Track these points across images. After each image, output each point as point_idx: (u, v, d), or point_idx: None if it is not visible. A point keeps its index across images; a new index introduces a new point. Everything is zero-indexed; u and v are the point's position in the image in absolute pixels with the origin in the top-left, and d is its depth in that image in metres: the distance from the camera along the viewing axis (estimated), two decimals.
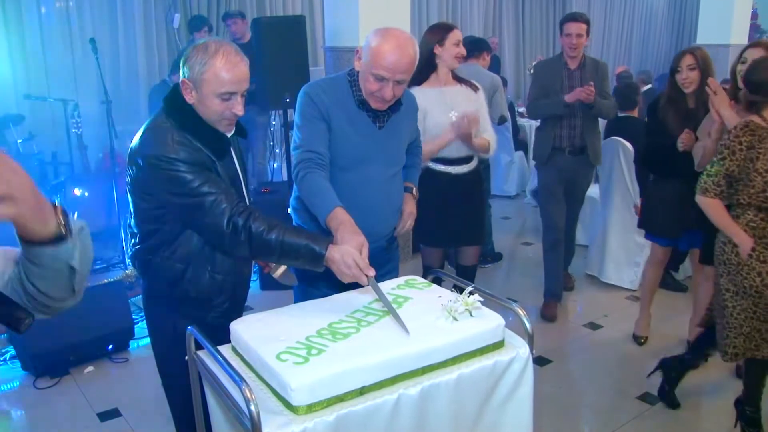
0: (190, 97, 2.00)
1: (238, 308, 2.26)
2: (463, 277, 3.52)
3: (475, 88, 3.35)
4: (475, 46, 4.97)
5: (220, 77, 1.94)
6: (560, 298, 4.43)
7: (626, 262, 4.69)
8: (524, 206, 7.03)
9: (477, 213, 3.53)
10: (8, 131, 5.14)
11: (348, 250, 1.93)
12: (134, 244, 2.14)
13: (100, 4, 6.21)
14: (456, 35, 3.29)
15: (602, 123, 4.36)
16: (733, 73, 3.27)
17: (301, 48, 4.84)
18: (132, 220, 2.14)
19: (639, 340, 3.93)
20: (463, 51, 3.37)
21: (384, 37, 2.25)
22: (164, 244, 2.06)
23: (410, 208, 2.63)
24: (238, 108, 2.01)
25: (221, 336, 1.91)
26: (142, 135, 2.03)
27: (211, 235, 2.02)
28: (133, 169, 2.03)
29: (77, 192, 5.38)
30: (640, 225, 3.92)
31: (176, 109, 2.02)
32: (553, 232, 4.33)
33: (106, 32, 6.29)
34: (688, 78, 3.41)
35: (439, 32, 3.31)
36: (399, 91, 2.33)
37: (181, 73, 2.01)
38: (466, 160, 3.38)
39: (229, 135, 2.10)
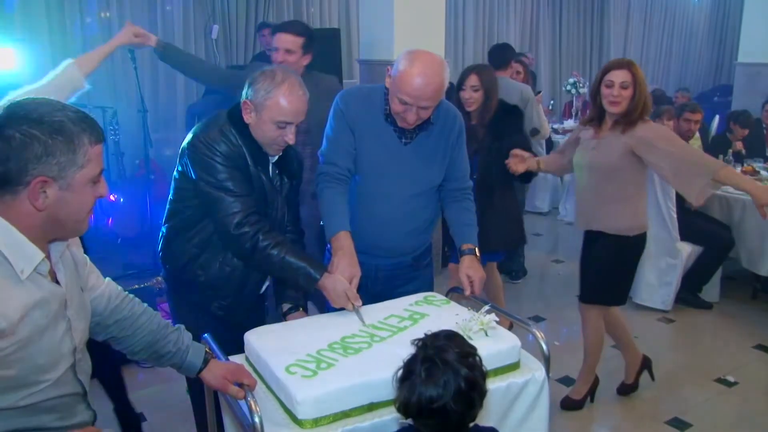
0: (248, 118, 2.14)
1: (241, 308, 2.30)
2: None
3: None
4: (500, 57, 4.78)
5: (281, 106, 2.09)
6: None
7: (658, 283, 4.59)
8: (556, 223, 6.93)
9: None
10: None
11: (339, 281, 2.08)
12: (163, 222, 2.30)
13: (141, 15, 6.31)
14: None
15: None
16: None
17: (334, 60, 4.87)
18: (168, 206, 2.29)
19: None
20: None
21: (412, 62, 2.16)
22: (185, 228, 2.22)
23: (475, 272, 2.29)
24: (290, 137, 2.15)
25: (220, 329, 2.04)
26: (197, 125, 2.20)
27: (219, 229, 2.16)
28: (184, 160, 2.16)
29: (113, 198, 5.49)
30: None
31: (238, 116, 2.16)
32: None
33: None
34: (471, 98, 3.39)
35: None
36: (424, 114, 2.24)
37: (244, 93, 2.14)
38: None
39: (273, 158, 2.23)
